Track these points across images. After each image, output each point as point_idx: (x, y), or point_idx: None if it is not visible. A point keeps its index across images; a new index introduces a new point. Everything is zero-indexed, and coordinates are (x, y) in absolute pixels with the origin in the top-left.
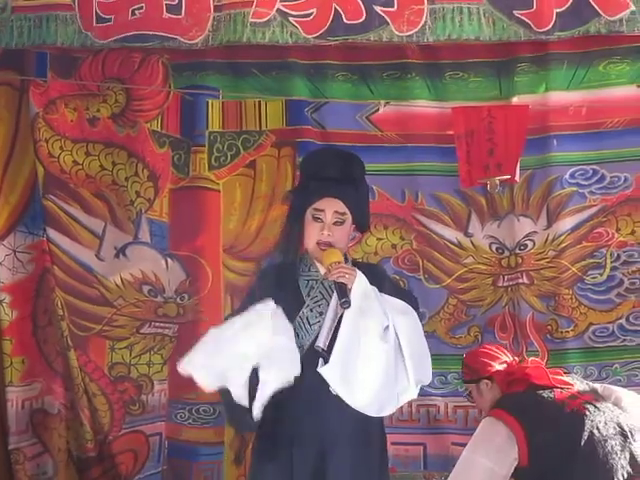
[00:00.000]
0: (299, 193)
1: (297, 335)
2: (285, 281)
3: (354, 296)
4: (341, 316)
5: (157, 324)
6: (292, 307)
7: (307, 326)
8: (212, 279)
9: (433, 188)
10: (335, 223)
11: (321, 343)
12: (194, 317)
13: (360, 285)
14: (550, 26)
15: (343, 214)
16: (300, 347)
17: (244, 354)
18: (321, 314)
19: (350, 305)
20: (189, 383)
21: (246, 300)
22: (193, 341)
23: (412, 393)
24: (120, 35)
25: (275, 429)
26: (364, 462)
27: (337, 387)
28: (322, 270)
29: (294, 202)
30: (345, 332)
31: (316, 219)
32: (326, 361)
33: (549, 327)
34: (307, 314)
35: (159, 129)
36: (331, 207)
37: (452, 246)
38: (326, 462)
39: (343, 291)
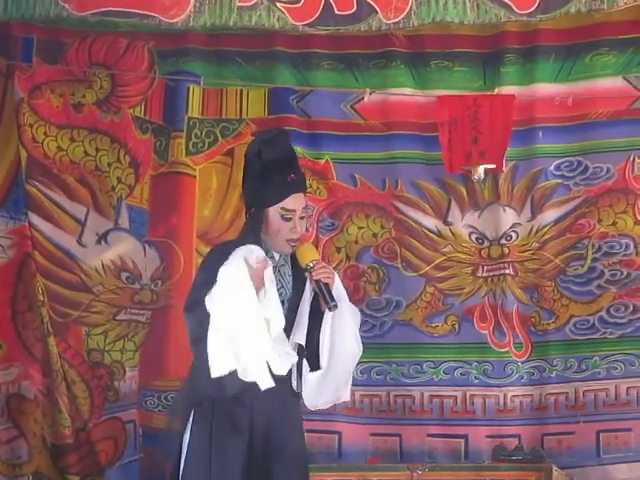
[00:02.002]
0: (263, 189)
1: None
2: None
3: (337, 297)
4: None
5: (132, 311)
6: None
7: None
8: (184, 265)
9: (413, 176)
10: (301, 218)
11: (302, 340)
12: (166, 303)
13: (339, 285)
14: (533, 8)
15: (306, 207)
16: None
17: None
18: (283, 303)
19: (337, 307)
20: (158, 370)
21: (199, 275)
22: (164, 328)
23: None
24: (98, 9)
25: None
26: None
27: (310, 392)
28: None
29: (256, 198)
30: (328, 334)
31: (286, 219)
32: (304, 357)
33: (532, 319)
34: None
35: (142, 115)
36: (299, 205)
37: (431, 234)
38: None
39: (329, 292)
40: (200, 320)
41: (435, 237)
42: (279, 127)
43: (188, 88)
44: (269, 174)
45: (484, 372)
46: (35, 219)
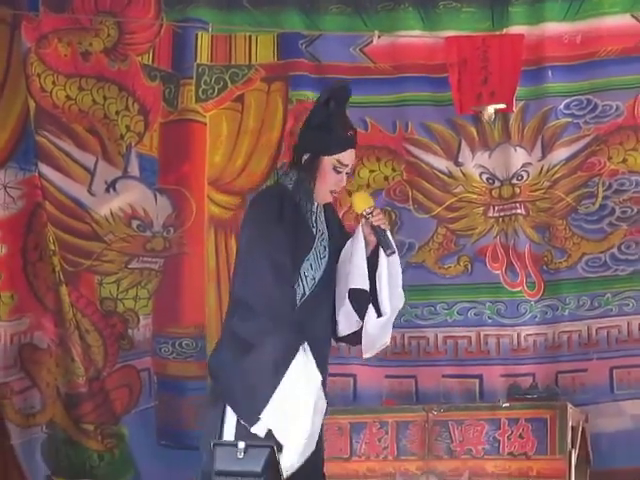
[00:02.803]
0: (326, 138)
1: (311, 267)
2: (294, 210)
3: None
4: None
5: (145, 259)
6: (308, 238)
7: (319, 260)
8: (196, 212)
9: (423, 118)
10: (347, 173)
11: (365, 286)
12: (178, 250)
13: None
14: None
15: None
16: (312, 279)
17: None
18: (325, 248)
19: (395, 252)
20: (172, 317)
21: (266, 218)
22: (177, 275)
23: None
24: None
25: None
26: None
27: (372, 338)
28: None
29: (316, 145)
30: (386, 280)
31: (338, 172)
32: (369, 303)
33: (545, 258)
34: (319, 248)
35: (150, 63)
36: (351, 161)
37: (442, 175)
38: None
39: (387, 238)
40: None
41: (446, 178)
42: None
43: (196, 35)
44: (334, 125)
45: (497, 312)
46: (45, 169)
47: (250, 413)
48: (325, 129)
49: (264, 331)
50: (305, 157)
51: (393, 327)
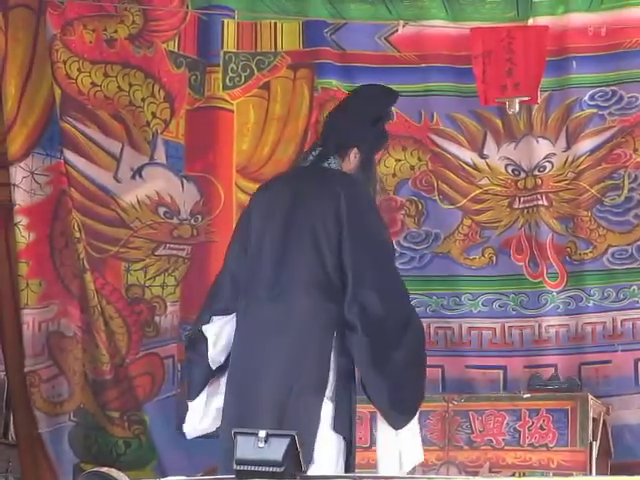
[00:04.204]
0: (384, 136)
1: None
2: None
3: None
4: None
5: (172, 246)
6: None
7: None
8: (224, 200)
9: (449, 109)
10: None
11: None
12: (206, 238)
13: None
14: None
15: None
16: None
17: None
18: None
19: None
20: (200, 304)
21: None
22: (205, 262)
23: None
24: None
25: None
26: None
27: None
28: None
29: (381, 142)
30: None
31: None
32: None
33: (568, 249)
34: None
35: (176, 50)
36: None
37: (467, 167)
38: None
39: None
40: None
41: (471, 170)
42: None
43: (222, 22)
44: (385, 124)
45: (520, 303)
46: (70, 156)
47: None
48: (383, 128)
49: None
50: (364, 151)
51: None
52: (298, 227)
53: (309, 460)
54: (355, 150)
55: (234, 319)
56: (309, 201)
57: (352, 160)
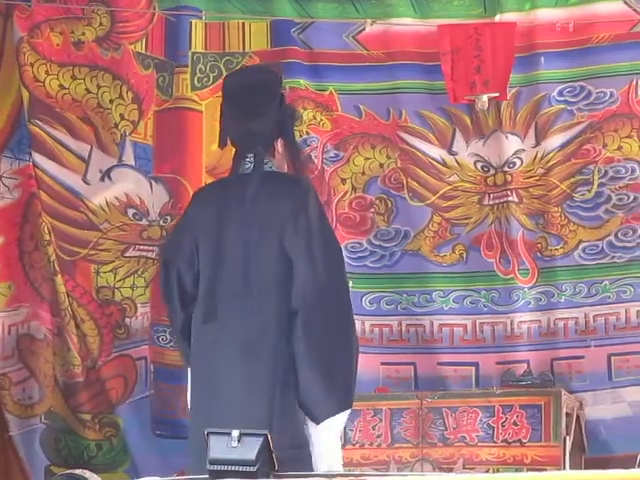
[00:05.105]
0: (292, 107)
1: None
2: None
3: None
4: None
5: (141, 247)
6: None
7: None
8: None
9: (417, 106)
10: None
11: None
12: None
13: None
14: None
15: None
16: None
17: None
18: None
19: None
20: None
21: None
22: None
23: None
24: None
25: None
26: None
27: None
28: None
29: (295, 116)
30: None
31: None
32: None
33: (539, 245)
34: None
35: (143, 51)
36: None
37: (436, 164)
38: None
39: None
40: None
41: (440, 167)
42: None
43: (190, 23)
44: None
45: (492, 300)
46: (39, 158)
47: None
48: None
49: None
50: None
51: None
52: (259, 232)
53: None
54: (280, 140)
55: None
56: (265, 209)
57: (280, 150)
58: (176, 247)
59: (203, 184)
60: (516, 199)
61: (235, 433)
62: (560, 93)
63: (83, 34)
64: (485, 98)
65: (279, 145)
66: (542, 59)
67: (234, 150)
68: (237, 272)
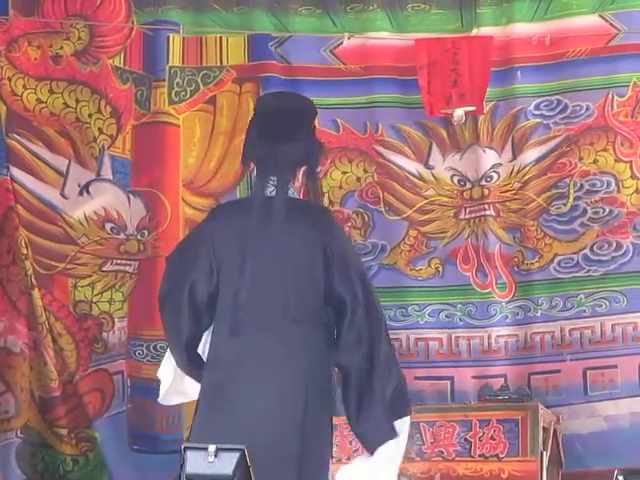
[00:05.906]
0: (321, 142)
1: None
2: None
3: None
4: None
5: (119, 261)
6: None
7: None
8: (171, 214)
9: (394, 120)
10: None
11: None
12: (153, 253)
13: None
14: None
15: None
16: None
17: None
18: None
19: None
20: (147, 319)
21: None
22: (152, 277)
23: None
24: None
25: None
26: None
27: None
28: None
29: (322, 151)
30: None
31: None
32: None
33: (516, 259)
34: None
35: (122, 65)
36: None
37: (412, 178)
38: None
39: None
40: None
41: (417, 180)
42: None
43: (168, 37)
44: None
45: (468, 314)
46: (16, 172)
47: None
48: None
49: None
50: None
51: None
52: (291, 258)
53: None
54: (304, 168)
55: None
56: (295, 235)
57: (300, 179)
58: (190, 260)
59: (180, 198)
60: (493, 213)
61: (212, 448)
62: (537, 107)
63: (61, 48)
64: (462, 112)
65: (301, 173)
66: (519, 73)
67: (256, 170)
68: (269, 295)
